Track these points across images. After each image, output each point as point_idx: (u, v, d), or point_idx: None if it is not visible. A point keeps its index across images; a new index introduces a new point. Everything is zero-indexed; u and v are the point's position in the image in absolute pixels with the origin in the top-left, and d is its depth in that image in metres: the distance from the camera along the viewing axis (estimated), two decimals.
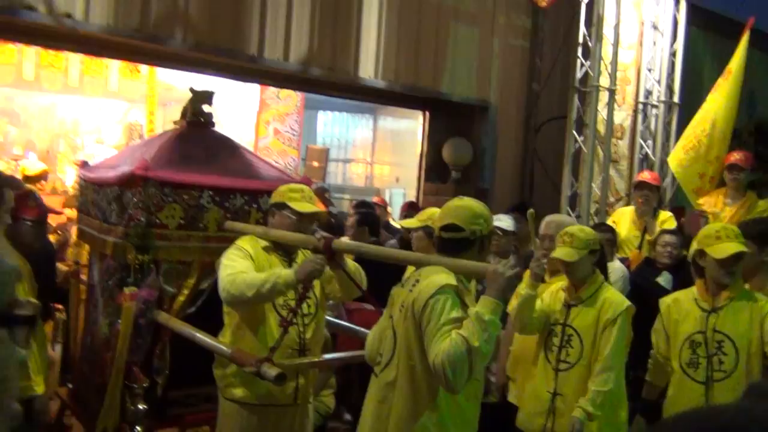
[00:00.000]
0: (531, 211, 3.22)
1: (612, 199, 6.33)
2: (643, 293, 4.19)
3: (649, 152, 6.54)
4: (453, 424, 2.31)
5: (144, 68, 8.95)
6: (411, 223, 3.98)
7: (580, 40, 5.95)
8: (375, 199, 7.22)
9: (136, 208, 3.42)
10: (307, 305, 2.98)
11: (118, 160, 4.15)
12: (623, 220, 5.50)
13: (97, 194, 3.90)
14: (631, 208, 5.63)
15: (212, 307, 3.52)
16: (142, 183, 3.43)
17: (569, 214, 6.08)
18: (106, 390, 3.42)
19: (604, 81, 5.86)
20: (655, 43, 6.38)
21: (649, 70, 6.44)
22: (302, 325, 2.97)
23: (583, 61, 6.03)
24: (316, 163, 10.12)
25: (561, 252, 3.12)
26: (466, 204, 2.48)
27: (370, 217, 5.00)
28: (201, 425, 4.20)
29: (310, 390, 3.11)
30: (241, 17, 5.14)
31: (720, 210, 5.44)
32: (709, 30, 8.23)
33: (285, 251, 3.08)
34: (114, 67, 8.55)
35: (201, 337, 3.01)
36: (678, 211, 5.94)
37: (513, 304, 3.22)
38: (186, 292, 3.56)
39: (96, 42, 5.06)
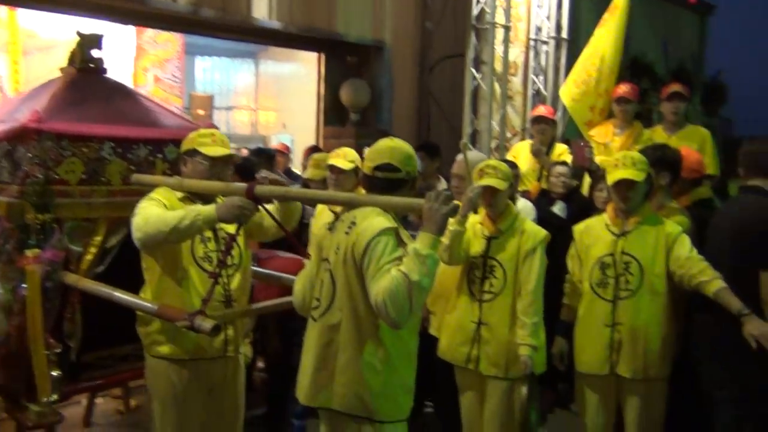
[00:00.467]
0: (464, 141, 3.28)
1: (509, 135, 6.54)
2: (540, 222, 4.41)
3: (541, 87, 6.77)
4: (398, 357, 2.37)
5: (2, 13, 8.15)
6: (343, 163, 3.96)
7: None
8: (277, 146, 7.05)
9: (32, 164, 3.17)
10: (231, 255, 2.90)
11: (3, 114, 3.80)
12: (522, 154, 5.70)
13: None
14: (529, 142, 5.84)
15: (121, 266, 3.38)
16: (36, 136, 3.18)
17: (471, 150, 6.22)
18: (13, 361, 3.22)
19: (499, 18, 5.95)
20: None
21: (539, 7, 6.61)
22: (226, 276, 2.89)
23: None
24: (201, 111, 9.70)
25: (492, 181, 3.20)
26: (399, 145, 2.50)
27: (241, 167, 4.92)
28: (115, 387, 4.08)
29: (240, 340, 3.06)
30: None
31: (610, 140, 5.74)
32: None
33: (204, 201, 2.97)
34: None
35: (120, 295, 2.88)
36: (566, 143, 6.22)
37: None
38: (93, 250, 3.37)
39: None
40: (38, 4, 5.16)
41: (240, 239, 2.93)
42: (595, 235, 3.33)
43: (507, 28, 6.12)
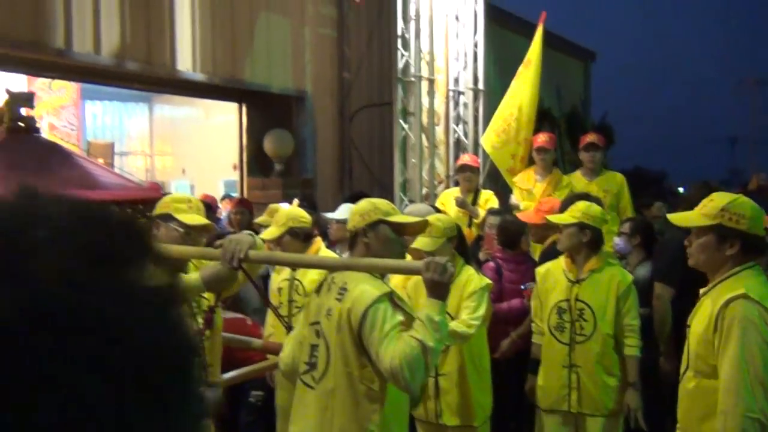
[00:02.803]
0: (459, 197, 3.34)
1: (435, 182, 6.73)
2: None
3: (461, 136, 7.04)
4: (393, 419, 2.38)
5: None
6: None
7: (399, 32, 6.20)
8: (203, 197, 6.84)
9: None
10: (198, 321, 2.82)
11: None
12: (449, 202, 5.88)
13: None
14: (455, 190, 6.04)
15: None
16: None
17: (403, 199, 6.36)
18: None
19: (422, 70, 6.17)
20: (458, 36, 6.86)
21: (456, 60, 6.91)
22: (201, 343, 2.83)
23: (403, 52, 6.30)
24: (101, 160, 9.30)
25: (420, 242, 3.25)
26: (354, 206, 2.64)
27: None
28: None
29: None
30: (41, 6, 4.57)
31: (532, 186, 6.05)
32: (503, 27, 9.19)
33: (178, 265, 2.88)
34: None
35: None
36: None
37: None
38: None
39: None
40: None
41: (210, 300, 2.86)
42: (553, 279, 3.51)
43: (431, 81, 6.35)
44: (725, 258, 2.33)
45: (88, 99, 9.56)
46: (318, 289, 2.51)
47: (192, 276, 2.60)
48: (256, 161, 7.22)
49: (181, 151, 10.22)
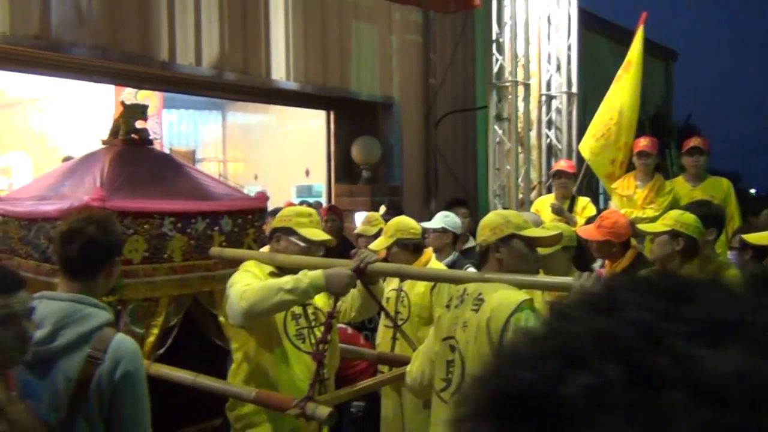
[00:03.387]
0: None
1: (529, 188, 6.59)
2: None
3: (554, 141, 6.86)
4: None
5: None
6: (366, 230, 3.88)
7: (493, 37, 6.09)
8: (285, 204, 6.90)
9: None
10: (320, 330, 2.81)
11: (43, 190, 3.65)
12: (545, 209, 5.72)
13: (27, 230, 3.40)
14: (550, 197, 5.87)
15: (179, 348, 3.23)
16: None
17: (497, 205, 6.24)
18: None
19: (517, 75, 6.05)
20: (550, 39, 6.69)
21: (549, 63, 6.76)
22: (324, 352, 2.81)
23: (498, 56, 6.19)
24: None
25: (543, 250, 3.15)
26: (482, 220, 2.54)
27: None
28: None
29: None
30: (148, 22, 4.70)
31: (632, 192, 5.81)
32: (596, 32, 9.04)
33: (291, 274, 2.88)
34: None
35: (207, 382, 2.73)
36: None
37: None
38: (155, 331, 3.22)
39: None
40: (77, 74, 5.03)
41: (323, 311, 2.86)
42: None
43: (527, 85, 6.22)
44: None
45: (165, 108, 9.87)
46: (448, 304, 2.43)
47: (313, 273, 2.55)
48: (343, 168, 7.24)
49: (253, 157, 10.45)
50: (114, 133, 3.85)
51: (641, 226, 4.75)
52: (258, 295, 2.48)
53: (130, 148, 3.74)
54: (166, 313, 3.25)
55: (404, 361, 2.90)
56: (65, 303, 2.05)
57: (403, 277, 2.75)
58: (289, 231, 2.83)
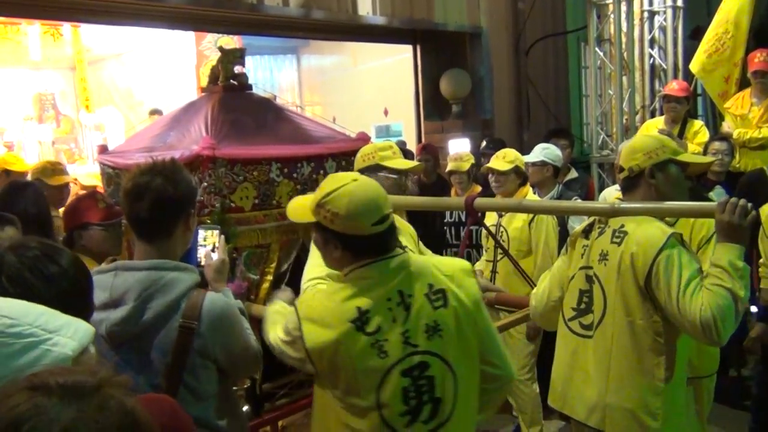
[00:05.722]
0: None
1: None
2: None
3: (658, 61, 6.40)
4: (679, 377, 2.21)
5: (67, 32, 8.19)
6: (501, 165, 3.79)
7: None
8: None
9: (208, 194, 3.03)
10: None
11: (150, 141, 3.68)
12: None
13: None
14: (659, 120, 5.52)
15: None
16: (210, 164, 3.03)
17: (600, 133, 5.92)
18: None
19: None
20: None
21: None
22: None
23: None
24: None
25: None
26: (631, 142, 2.41)
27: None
28: (296, 413, 3.96)
29: None
30: None
31: (747, 111, 5.39)
32: None
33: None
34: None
35: None
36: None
37: None
38: (269, 277, 3.26)
39: None
40: (168, 23, 5.01)
41: None
42: None
43: (630, 1, 5.76)
44: None
45: None
46: (586, 232, 2.31)
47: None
48: (432, 104, 7.03)
49: (330, 99, 10.34)
50: (213, 79, 3.82)
51: (737, 132, 4.54)
52: None
53: (231, 95, 3.70)
54: (278, 258, 3.27)
55: (523, 304, 2.81)
56: (144, 273, 1.84)
57: (513, 210, 2.68)
58: (377, 167, 2.79)
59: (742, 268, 2.00)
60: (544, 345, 3.80)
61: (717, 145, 4.58)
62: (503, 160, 3.82)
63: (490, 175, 3.83)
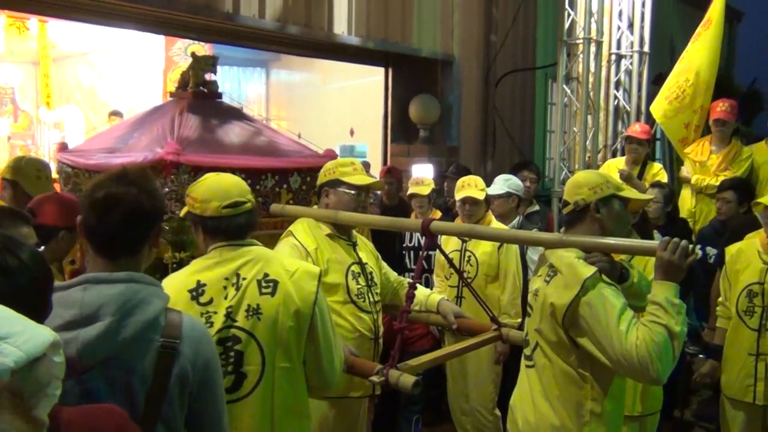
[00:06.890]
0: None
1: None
2: None
3: (622, 102, 6.57)
4: (612, 411, 2.24)
5: (33, 26, 8.04)
6: (476, 193, 3.82)
7: None
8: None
9: (169, 200, 2.98)
10: (376, 293, 2.84)
11: (112, 142, 3.61)
12: (613, 173, 5.49)
13: None
14: (620, 160, 5.64)
15: None
16: (174, 170, 2.99)
17: (562, 169, 6.03)
18: None
19: (587, 33, 5.75)
20: None
21: (621, 20, 6.43)
22: (375, 312, 2.80)
23: (570, 11, 5.88)
24: None
25: None
26: (575, 177, 2.41)
27: None
28: None
29: None
30: None
31: (706, 158, 5.55)
32: None
33: (347, 234, 2.84)
34: None
35: None
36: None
37: None
38: None
39: None
40: (150, 27, 4.95)
41: (376, 274, 2.89)
42: (745, 260, 3.27)
43: (599, 43, 5.92)
44: None
45: None
46: (539, 273, 2.36)
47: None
48: (400, 127, 7.06)
49: (297, 115, 10.33)
50: (183, 85, 3.78)
51: (695, 179, 4.70)
52: None
53: (199, 102, 3.67)
54: None
55: (483, 329, 2.83)
56: (122, 286, 1.59)
57: (465, 235, 2.72)
58: (336, 182, 2.81)
59: (679, 305, 2.01)
60: (505, 374, 3.84)
61: (654, 191, 4.67)
62: (476, 188, 3.86)
63: (462, 204, 3.85)
